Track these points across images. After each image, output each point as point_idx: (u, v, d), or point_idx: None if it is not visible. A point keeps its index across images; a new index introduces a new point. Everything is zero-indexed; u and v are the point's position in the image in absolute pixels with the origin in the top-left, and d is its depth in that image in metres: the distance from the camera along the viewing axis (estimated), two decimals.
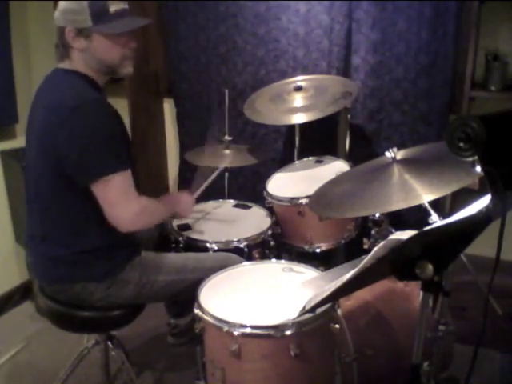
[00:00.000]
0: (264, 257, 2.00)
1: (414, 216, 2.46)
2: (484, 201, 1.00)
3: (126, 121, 1.90)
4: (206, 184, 2.06)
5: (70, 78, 1.57)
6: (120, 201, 1.52)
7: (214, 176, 2.13)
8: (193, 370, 1.67)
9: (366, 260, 1.02)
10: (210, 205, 2.29)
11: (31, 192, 1.63)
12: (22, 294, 2.75)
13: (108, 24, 1.54)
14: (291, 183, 2.29)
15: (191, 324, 1.51)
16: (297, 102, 2.33)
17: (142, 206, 1.58)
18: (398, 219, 2.24)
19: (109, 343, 1.86)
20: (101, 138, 1.48)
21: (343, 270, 1.16)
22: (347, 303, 1.67)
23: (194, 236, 1.96)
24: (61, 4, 1.55)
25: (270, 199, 2.18)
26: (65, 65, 1.59)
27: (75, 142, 1.46)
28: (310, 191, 1.78)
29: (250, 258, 1.91)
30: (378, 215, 1.82)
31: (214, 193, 2.32)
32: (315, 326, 1.36)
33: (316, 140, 2.68)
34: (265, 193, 2.21)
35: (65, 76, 1.58)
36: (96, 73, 1.60)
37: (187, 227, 2.04)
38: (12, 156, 2.55)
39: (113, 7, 1.54)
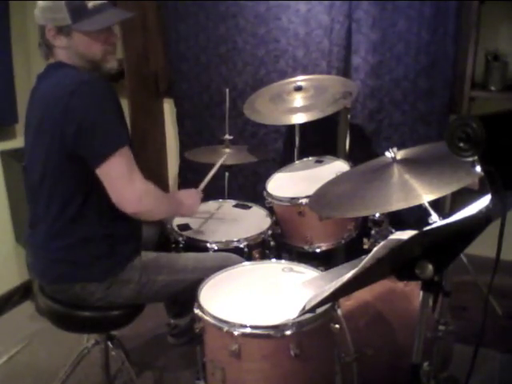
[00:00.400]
0: (264, 257, 1.99)
1: (414, 216, 2.46)
2: (484, 201, 1.00)
3: (126, 121, 1.89)
4: (208, 177, 2.05)
5: (61, 69, 1.57)
6: (124, 179, 1.51)
7: (215, 169, 2.11)
8: (193, 369, 1.67)
9: (366, 260, 1.02)
10: (209, 205, 2.29)
11: (37, 187, 1.62)
12: (21, 294, 2.75)
13: (87, 20, 1.53)
14: (291, 183, 2.29)
15: (191, 324, 1.51)
16: (297, 102, 2.33)
17: (147, 185, 1.57)
18: (398, 219, 2.25)
19: (109, 343, 1.86)
20: (100, 118, 1.48)
21: (343, 270, 1.16)
22: (347, 303, 1.67)
23: (194, 236, 1.96)
24: (39, 2, 1.55)
25: (270, 199, 2.18)
26: (51, 61, 1.60)
27: (76, 127, 1.45)
28: (310, 191, 1.78)
29: (249, 258, 1.91)
30: (377, 215, 1.82)
31: (213, 193, 2.32)
32: (315, 325, 1.36)
33: (316, 140, 2.68)
34: (265, 193, 2.21)
35: (57, 68, 1.58)
36: (80, 68, 1.59)
37: (187, 227, 2.04)
38: (12, 156, 2.55)
39: (91, 3, 1.53)
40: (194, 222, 2.08)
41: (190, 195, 1.90)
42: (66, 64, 1.57)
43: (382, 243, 1.04)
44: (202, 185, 2.01)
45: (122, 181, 1.51)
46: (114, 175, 1.51)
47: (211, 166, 2.15)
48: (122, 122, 1.57)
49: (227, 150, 2.43)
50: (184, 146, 3.07)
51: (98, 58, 1.59)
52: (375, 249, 1.04)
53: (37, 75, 1.63)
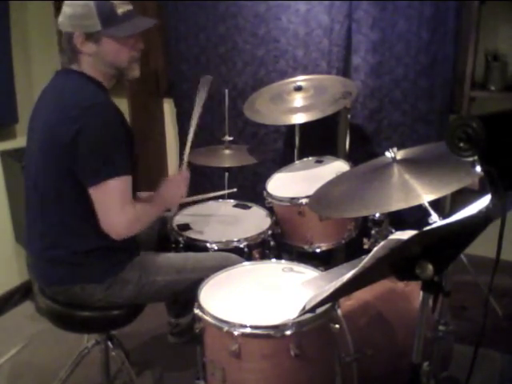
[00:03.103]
0: (264, 257, 1.99)
1: (414, 216, 2.46)
2: (484, 201, 1.00)
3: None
4: (192, 129, 2.02)
5: (80, 79, 1.58)
6: (115, 207, 1.52)
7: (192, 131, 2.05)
8: (193, 369, 1.67)
9: (366, 260, 1.02)
10: (209, 205, 2.29)
11: (31, 191, 1.62)
12: (22, 293, 2.75)
13: (117, 26, 1.54)
14: (291, 183, 2.29)
15: (192, 323, 1.51)
16: (297, 102, 2.33)
17: (135, 213, 1.57)
18: (398, 219, 2.24)
19: (109, 343, 1.86)
20: (107, 141, 1.49)
21: (343, 270, 1.16)
22: (347, 303, 1.67)
23: (194, 236, 1.96)
24: (66, 9, 1.54)
25: (270, 199, 2.18)
26: (73, 67, 1.60)
27: (82, 142, 1.47)
28: (310, 191, 1.78)
29: (249, 258, 1.91)
30: (377, 215, 1.82)
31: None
32: (315, 325, 1.36)
33: (316, 140, 2.68)
34: (265, 193, 2.21)
35: (75, 77, 1.59)
36: (104, 76, 1.61)
37: (187, 227, 2.04)
38: (12, 156, 2.55)
39: (120, 9, 1.55)
40: (193, 222, 2.08)
41: (175, 184, 1.81)
42: (85, 75, 1.58)
43: (381, 243, 1.04)
44: (184, 162, 1.92)
45: (111, 209, 1.52)
46: (104, 201, 1.51)
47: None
48: (127, 150, 1.56)
49: (227, 151, 2.43)
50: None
51: (123, 66, 1.61)
52: (375, 249, 1.04)
53: (55, 72, 1.63)
